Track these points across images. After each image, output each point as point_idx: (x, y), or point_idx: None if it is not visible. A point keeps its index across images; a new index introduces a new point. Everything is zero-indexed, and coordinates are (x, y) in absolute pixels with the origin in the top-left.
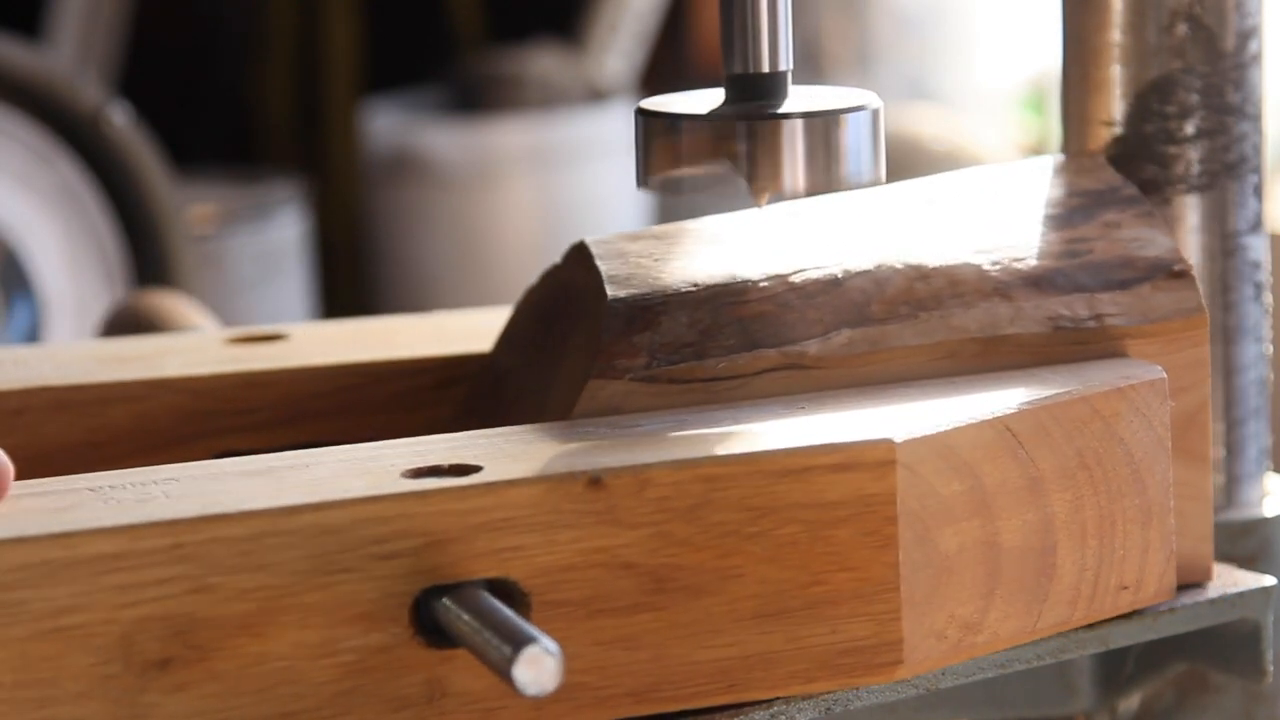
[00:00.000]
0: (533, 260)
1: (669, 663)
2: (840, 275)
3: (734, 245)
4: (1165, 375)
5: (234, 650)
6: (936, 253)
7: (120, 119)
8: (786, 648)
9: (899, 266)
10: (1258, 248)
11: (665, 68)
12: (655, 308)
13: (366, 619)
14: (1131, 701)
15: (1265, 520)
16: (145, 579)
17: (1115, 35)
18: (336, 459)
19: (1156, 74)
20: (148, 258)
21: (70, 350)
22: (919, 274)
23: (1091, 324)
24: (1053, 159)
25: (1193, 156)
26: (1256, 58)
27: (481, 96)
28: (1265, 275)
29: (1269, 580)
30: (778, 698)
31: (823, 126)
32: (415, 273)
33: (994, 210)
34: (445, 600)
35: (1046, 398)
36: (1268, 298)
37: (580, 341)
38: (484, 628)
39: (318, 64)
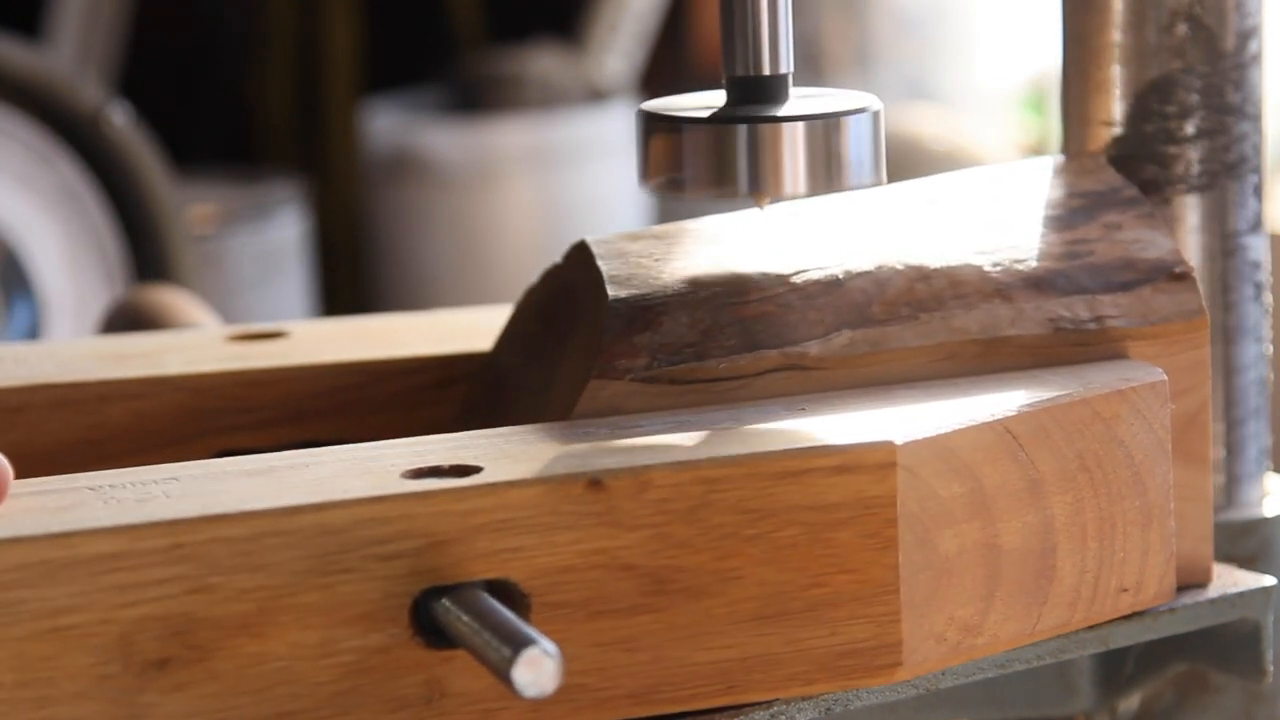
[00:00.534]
0: (533, 260)
1: (668, 664)
2: (841, 276)
3: (735, 245)
4: (1166, 377)
5: (233, 650)
6: (937, 253)
7: (120, 119)
8: (786, 649)
9: (900, 267)
10: (1258, 248)
11: (665, 68)
12: (656, 308)
13: (366, 619)
14: (1131, 701)
15: (1265, 520)
16: (144, 579)
17: (1115, 35)
18: (336, 459)
19: (1156, 74)
20: (148, 257)
21: (70, 347)
22: (920, 275)
23: (1092, 326)
24: (1053, 159)
25: (1193, 156)
26: (1256, 58)
27: (481, 96)
28: (1265, 275)
29: (1269, 580)
30: (777, 699)
31: (823, 130)
32: (415, 273)
33: (995, 211)
34: (445, 601)
35: (1047, 400)
36: (1268, 298)
37: (581, 341)
38: (483, 629)
39: (318, 64)
